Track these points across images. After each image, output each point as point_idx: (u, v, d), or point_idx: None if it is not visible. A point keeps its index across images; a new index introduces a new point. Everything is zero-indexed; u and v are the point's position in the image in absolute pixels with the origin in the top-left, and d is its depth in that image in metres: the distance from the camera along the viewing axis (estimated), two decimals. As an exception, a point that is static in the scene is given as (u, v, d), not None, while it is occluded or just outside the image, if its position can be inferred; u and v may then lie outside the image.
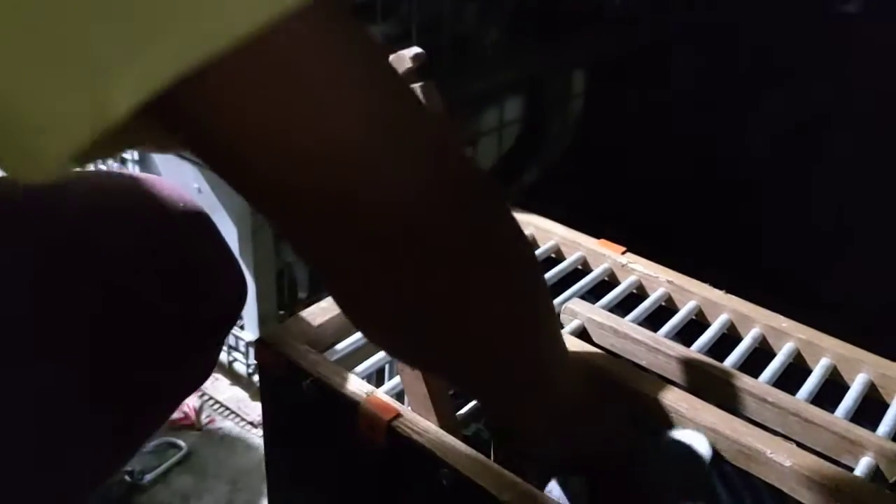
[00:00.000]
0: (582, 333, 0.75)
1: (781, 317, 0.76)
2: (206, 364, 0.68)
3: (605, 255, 0.85)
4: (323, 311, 0.74)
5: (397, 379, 0.68)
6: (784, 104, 1.86)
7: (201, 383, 0.69)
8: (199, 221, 0.65)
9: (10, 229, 0.53)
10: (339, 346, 0.71)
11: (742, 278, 0.83)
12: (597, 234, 0.90)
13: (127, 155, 1.09)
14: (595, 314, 0.75)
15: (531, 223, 0.89)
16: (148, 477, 0.99)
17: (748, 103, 1.74)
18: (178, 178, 1.06)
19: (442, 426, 0.61)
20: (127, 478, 0.98)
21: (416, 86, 0.57)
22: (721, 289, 0.80)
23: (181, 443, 1.03)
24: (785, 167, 1.63)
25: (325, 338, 0.72)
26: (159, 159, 1.08)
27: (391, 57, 0.55)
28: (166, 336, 0.60)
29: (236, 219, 0.99)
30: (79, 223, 0.57)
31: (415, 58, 0.56)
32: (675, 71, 1.70)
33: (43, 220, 0.55)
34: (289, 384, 0.67)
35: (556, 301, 0.79)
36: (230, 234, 1.01)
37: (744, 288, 0.81)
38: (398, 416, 0.61)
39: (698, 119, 1.66)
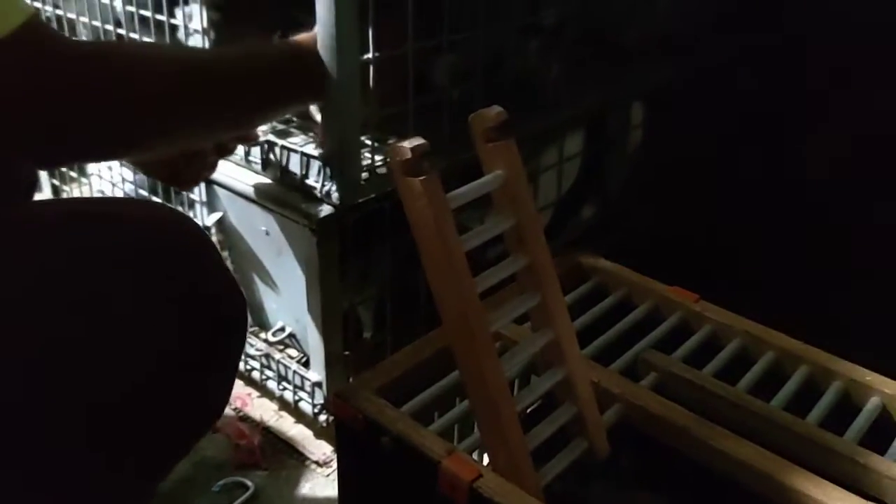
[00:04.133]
0: (657, 386, 0.74)
1: (865, 369, 0.74)
2: (219, 394, 0.67)
3: (678, 303, 0.84)
4: (396, 364, 0.74)
5: (476, 434, 0.68)
6: (850, 130, 1.82)
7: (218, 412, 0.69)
8: (196, 242, 0.65)
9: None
10: (415, 401, 0.71)
11: (819, 327, 0.81)
12: (662, 273, 0.89)
13: (195, 195, 1.11)
14: (672, 366, 0.74)
15: (601, 268, 0.89)
16: (216, 516, 1.00)
17: (813, 128, 1.71)
18: (246, 220, 1.07)
19: (524, 488, 0.61)
20: (196, 517, 1.00)
21: (418, 180, 0.56)
22: (798, 338, 0.79)
23: (248, 482, 1.04)
24: (862, 202, 1.59)
25: (399, 391, 0.72)
26: (226, 200, 1.09)
27: (394, 147, 0.56)
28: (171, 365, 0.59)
29: (304, 261, 1.00)
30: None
31: (415, 149, 0.56)
32: (735, 95, 1.68)
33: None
34: (367, 440, 0.67)
35: (630, 351, 0.78)
36: (297, 275, 1.02)
37: (822, 337, 0.79)
38: (480, 476, 0.61)
39: (762, 146, 1.64)
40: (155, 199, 1.19)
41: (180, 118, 0.72)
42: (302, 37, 0.88)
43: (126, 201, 1.02)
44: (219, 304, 0.63)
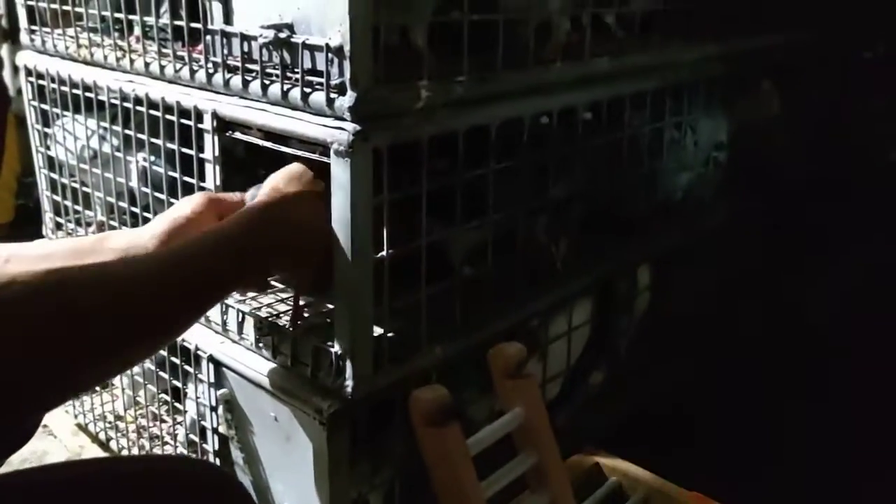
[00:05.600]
0: None
1: None
2: None
3: (698, 511, 0.81)
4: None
5: None
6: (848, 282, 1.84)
7: None
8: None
9: None
10: None
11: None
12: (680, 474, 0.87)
13: (202, 375, 1.10)
14: (697, 593, 0.72)
15: (619, 469, 0.87)
16: None
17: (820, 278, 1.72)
18: (254, 403, 1.06)
19: None
20: None
21: (439, 431, 0.57)
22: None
23: None
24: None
25: None
26: (234, 383, 1.08)
27: (415, 398, 0.58)
28: None
29: (313, 451, 0.98)
30: None
31: (436, 401, 0.56)
32: (739, 250, 1.70)
33: None
34: None
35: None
36: (305, 461, 1.00)
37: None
38: None
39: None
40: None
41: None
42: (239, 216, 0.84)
43: (172, 459, 1.04)
44: None
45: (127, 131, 1.13)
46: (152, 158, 1.14)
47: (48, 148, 1.33)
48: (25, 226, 1.93)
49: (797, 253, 1.82)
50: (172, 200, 1.06)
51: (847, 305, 1.90)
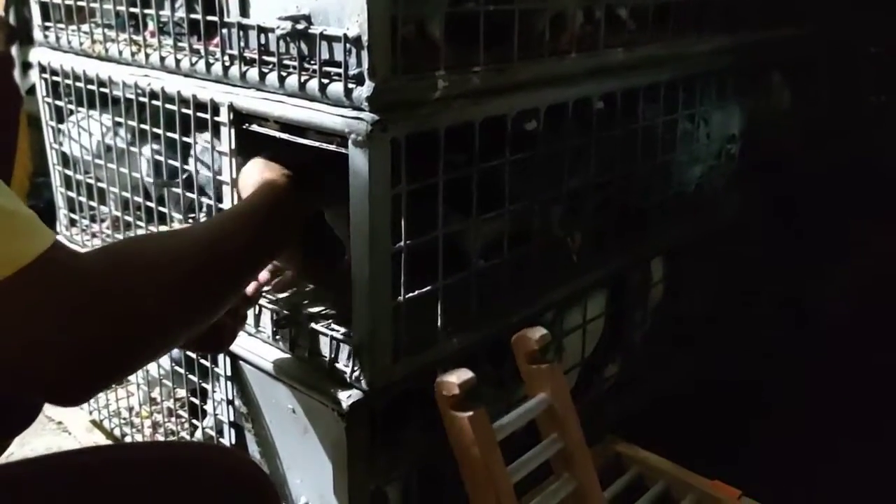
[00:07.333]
0: None
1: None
2: None
3: (720, 500, 0.81)
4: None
5: None
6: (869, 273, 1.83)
7: None
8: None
9: None
10: None
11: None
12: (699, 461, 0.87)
13: (219, 369, 1.10)
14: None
15: (640, 459, 0.87)
16: None
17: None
18: (271, 396, 1.06)
19: None
20: None
21: (465, 416, 0.57)
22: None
23: None
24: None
25: None
26: (251, 376, 1.08)
27: (441, 382, 0.58)
28: None
29: (331, 443, 0.98)
30: None
31: (462, 385, 0.56)
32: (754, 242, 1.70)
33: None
34: None
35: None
36: (323, 453, 1.00)
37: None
38: None
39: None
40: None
41: (193, 312, 0.73)
42: (271, 181, 0.91)
43: (203, 447, 1.06)
44: None
45: (142, 126, 1.14)
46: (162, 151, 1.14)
47: (62, 144, 1.33)
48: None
49: (809, 246, 1.82)
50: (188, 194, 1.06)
51: (862, 296, 1.90)
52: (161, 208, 1.16)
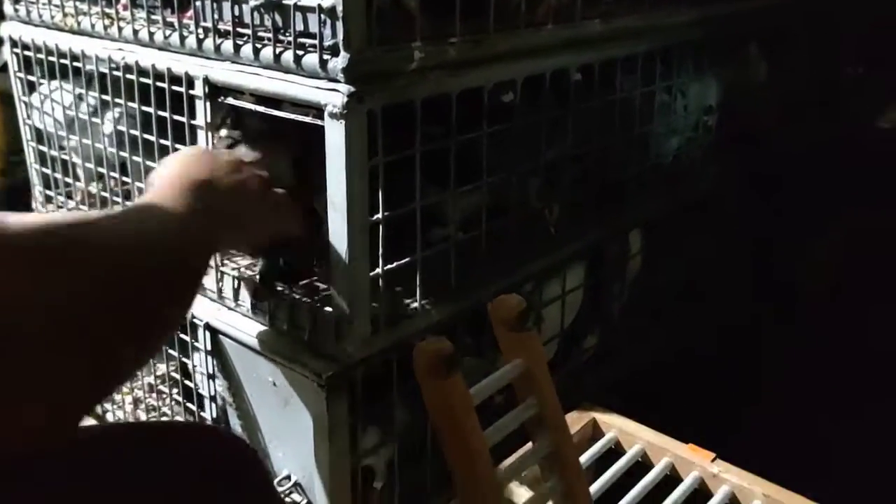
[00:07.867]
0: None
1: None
2: None
3: (694, 462, 0.83)
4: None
5: None
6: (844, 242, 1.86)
7: None
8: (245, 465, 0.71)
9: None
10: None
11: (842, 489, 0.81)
12: (674, 424, 0.88)
13: (199, 344, 1.10)
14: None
15: (615, 425, 0.88)
16: None
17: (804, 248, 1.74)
18: (251, 370, 1.06)
19: None
20: None
21: (442, 382, 0.57)
22: (821, 503, 0.78)
23: None
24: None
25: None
26: (231, 349, 1.08)
27: (418, 348, 0.58)
28: None
29: (312, 415, 0.99)
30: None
31: (439, 352, 0.57)
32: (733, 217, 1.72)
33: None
34: None
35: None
36: (304, 426, 1.01)
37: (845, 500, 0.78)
38: None
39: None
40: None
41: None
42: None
43: (191, 427, 1.05)
44: None
45: (116, 99, 1.13)
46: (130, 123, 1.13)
47: (29, 117, 1.32)
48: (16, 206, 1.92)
49: (786, 218, 1.84)
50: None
51: (838, 270, 1.92)
52: (126, 179, 1.16)
